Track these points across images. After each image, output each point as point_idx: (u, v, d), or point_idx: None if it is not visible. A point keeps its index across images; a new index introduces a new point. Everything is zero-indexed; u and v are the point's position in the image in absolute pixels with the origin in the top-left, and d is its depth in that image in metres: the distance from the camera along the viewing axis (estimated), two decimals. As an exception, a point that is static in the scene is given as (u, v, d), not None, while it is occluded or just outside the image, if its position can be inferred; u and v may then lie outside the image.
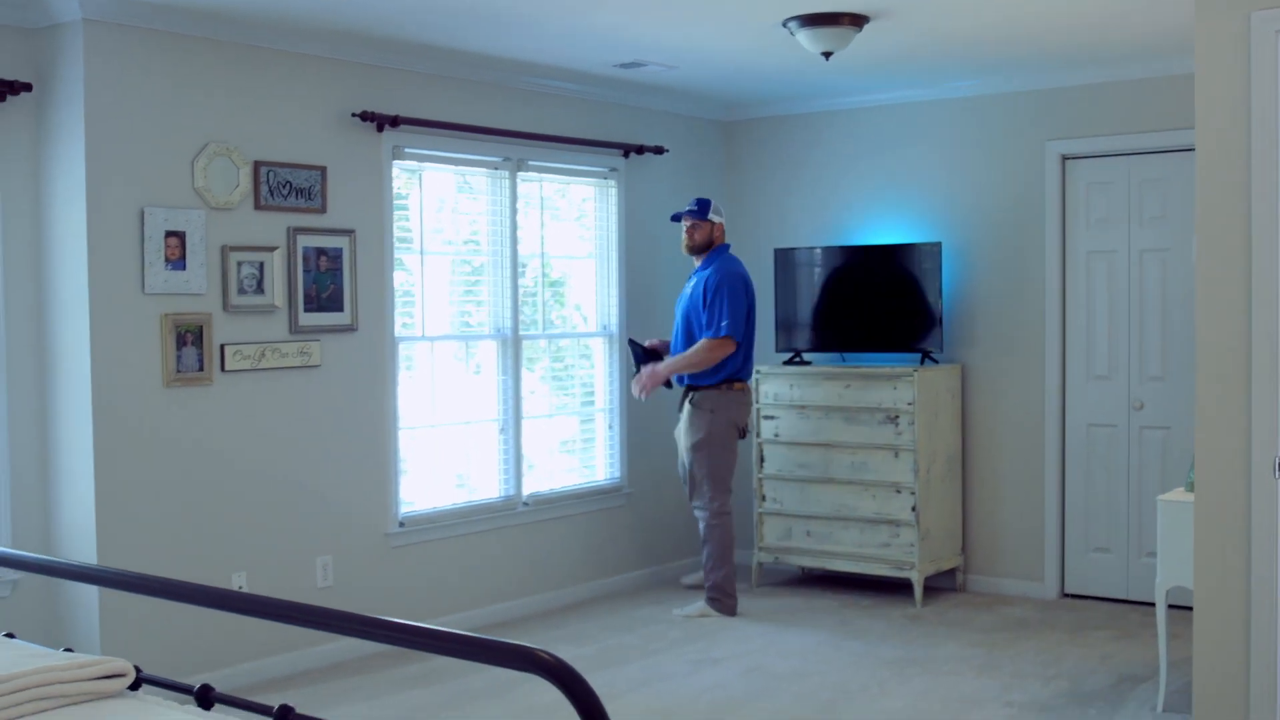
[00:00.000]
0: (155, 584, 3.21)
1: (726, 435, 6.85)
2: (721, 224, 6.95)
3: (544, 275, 7.23)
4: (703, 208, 6.89)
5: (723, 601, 6.85)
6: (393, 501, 6.32)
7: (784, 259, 7.67)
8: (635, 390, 6.94)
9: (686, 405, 6.88)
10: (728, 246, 6.97)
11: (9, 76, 5.21)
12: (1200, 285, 4.23)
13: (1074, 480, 7.14)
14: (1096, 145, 7.00)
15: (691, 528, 8.00)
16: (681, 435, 6.94)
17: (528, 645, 2.35)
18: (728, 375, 6.81)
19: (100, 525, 5.24)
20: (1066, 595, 7.17)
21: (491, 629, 6.40)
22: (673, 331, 7.08)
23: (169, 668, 3.91)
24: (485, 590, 6.74)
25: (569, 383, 7.45)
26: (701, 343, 6.71)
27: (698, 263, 6.92)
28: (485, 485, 6.88)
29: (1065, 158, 7.10)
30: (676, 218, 6.99)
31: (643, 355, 7.00)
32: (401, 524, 6.35)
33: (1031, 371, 7.20)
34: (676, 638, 6.45)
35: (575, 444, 7.49)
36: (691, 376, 6.81)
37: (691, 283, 6.92)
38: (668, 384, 6.94)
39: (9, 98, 5.21)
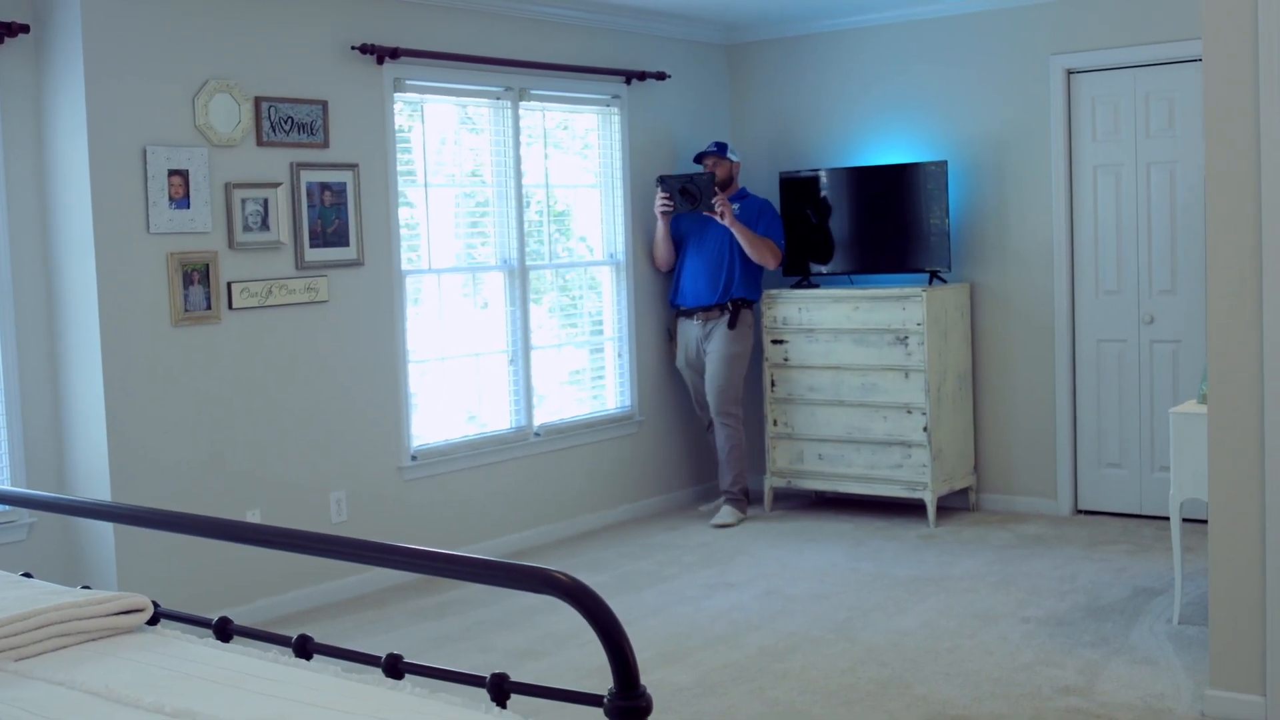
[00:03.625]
0: (170, 518, 3.23)
1: (749, 352, 7.45)
2: (739, 164, 7.39)
3: (549, 206, 7.20)
4: (721, 147, 7.31)
5: (743, 502, 7.41)
6: (405, 435, 6.33)
7: (790, 182, 7.62)
8: (718, 207, 7.13)
9: (721, 318, 7.31)
10: (745, 187, 7.50)
11: (6, 18, 5.16)
12: (1210, 196, 4.19)
13: (1085, 396, 7.13)
14: (1101, 59, 6.92)
15: (703, 453, 8.03)
16: (719, 345, 7.29)
17: (545, 568, 2.36)
18: (758, 294, 7.42)
19: (113, 466, 5.26)
20: (1080, 511, 7.19)
21: (507, 559, 6.42)
22: (686, 277, 7.44)
23: (185, 605, 3.93)
24: (500, 521, 6.77)
25: (576, 314, 7.44)
26: (769, 241, 7.27)
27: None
28: (496, 417, 6.89)
29: (1070, 72, 7.02)
30: (699, 158, 7.32)
31: (690, 187, 7.17)
32: (414, 457, 6.37)
33: (1040, 288, 7.17)
34: (691, 563, 6.49)
35: (584, 375, 7.49)
36: (738, 290, 7.30)
37: (718, 223, 7.20)
38: (684, 198, 7.19)
39: (6, 40, 5.17)
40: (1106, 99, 6.96)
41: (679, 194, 7.14)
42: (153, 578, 5.23)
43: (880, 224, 7.39)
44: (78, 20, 5.15)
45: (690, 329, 7.46)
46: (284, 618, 5.65)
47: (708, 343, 7.35)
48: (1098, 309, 7.06)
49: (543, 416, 7.09)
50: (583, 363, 7.49)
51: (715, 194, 7.12)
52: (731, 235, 7.19)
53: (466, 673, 2.57)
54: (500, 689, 2.46)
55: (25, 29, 5.20)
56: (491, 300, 6.91)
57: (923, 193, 7.20)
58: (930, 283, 7.17)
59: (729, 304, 7.30)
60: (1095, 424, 7.11)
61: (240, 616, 5.08)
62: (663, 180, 7.21)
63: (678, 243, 7.50)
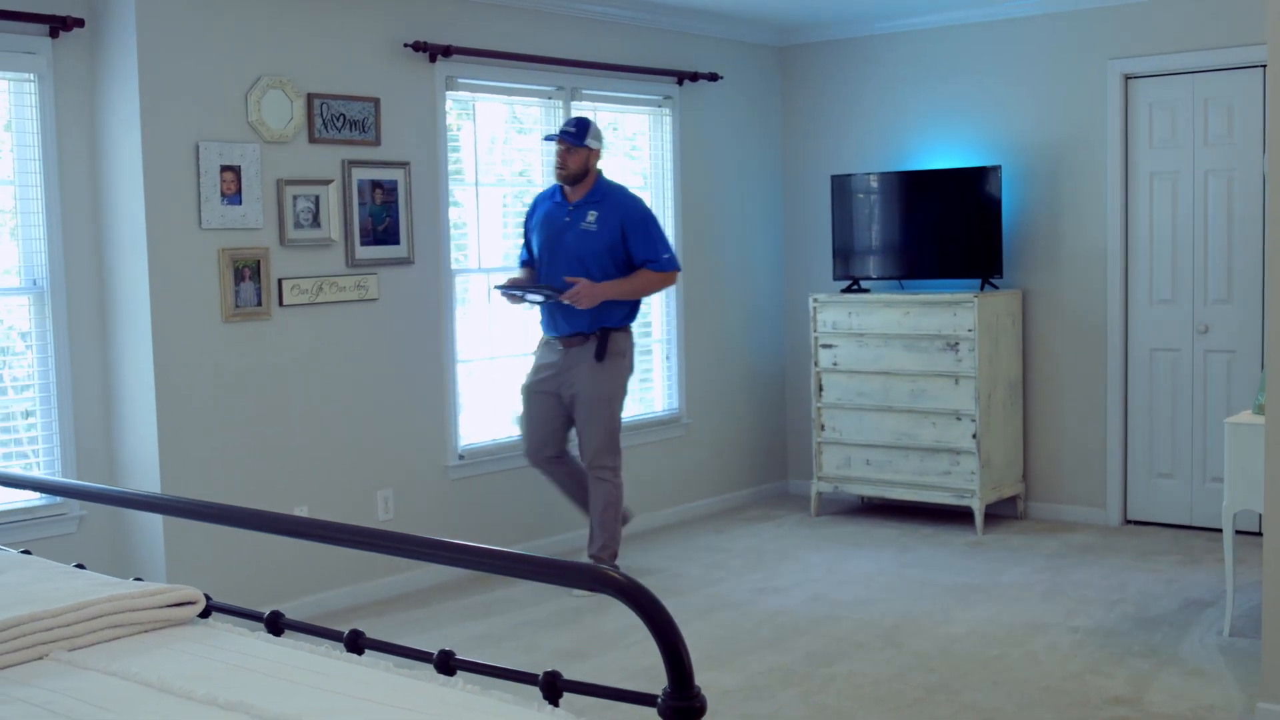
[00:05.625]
0: (220, 511, 3.22)
1: (628, 384, 6.28)
2: (599, 150, 6.07)
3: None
4: (581, 130, 5.99)
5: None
6: (452, 434, 6.33)
7: (841, 185, 7.57)
8: (573, 299, 5.88)
9: (587, 348, 6.02)
10: (603, 174, 6.16)
11: (62, 12, 5.20)
12: (1273, 203, 4.12)
13: (1137, 406, 7.04)
14: (1159, 64, 6.84)
15: (753, 455, 8.01)
16: (588, 386, 6.02)
17: (600, 566, 2.34)
18: (634, 318, 6.18)
19: (163, 461, 5.29)
20: (1129, 522, 7.10)
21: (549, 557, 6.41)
22: (539, 274, 6.12)
23: (232, 599, 3.92)
24: (545, 522, 6.75)
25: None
26: (645, 273, 6.04)
27: (575, 195, 6.04)
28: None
29: (1127, 77, 6.94)
30: (551, 138, 6.17)
31: (530, 289, 6.02)
32: (461, 457, 6.37)
33: (1093, 296, 7.09)
34: (737, 567, 6.45)
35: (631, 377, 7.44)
36: (598, 317, 5.99)
37: (585, 216, 6.01)
38: (520, 295, 6.02)
39: (61, 34, 5.21)
40: (1164, 105, 6.87)
41: (524, 296, 6.03)
42: (201, 571, 5.25)
43: (932, 229, 7.34)
44: (132, 15, 5.18)
45: (549, 353, 6.15)
46: (330, 614, 5.66)
47: (571, 380, 6.05)
48: (1151, 318, 6.98)
49: (589, 417, 7.06)
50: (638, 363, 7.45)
51: (536, 299, 6.02)
52: (591, 246, 5.99)
53: (518, 670, 2.55)
54: (553, 687, 2.44)
55: (80, 23, 5.23)
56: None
57: (975, 198, 7.14)
58: (982, 289, 7.11)
59: (595, 332, 6.03)
60: (1147, 434, 7.02)
61: (286, 612, 5.07)
62: (510, 291, 6.05)
63: (533, 252, 6.25)
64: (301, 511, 5.70)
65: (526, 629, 5.49)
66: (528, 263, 6.23)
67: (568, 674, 2.51)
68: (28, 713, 2.37)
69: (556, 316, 6.04)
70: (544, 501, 6.74)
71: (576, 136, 5.97)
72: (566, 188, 6.06)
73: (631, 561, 6.53)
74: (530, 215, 6.24)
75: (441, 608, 5.83)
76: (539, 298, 5.99)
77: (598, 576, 2.31)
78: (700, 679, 2.22)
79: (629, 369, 6.20)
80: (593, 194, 6.05)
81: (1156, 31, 6.81)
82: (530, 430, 6.18)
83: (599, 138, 6.05)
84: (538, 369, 6.17)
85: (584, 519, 6.32)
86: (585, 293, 5.88)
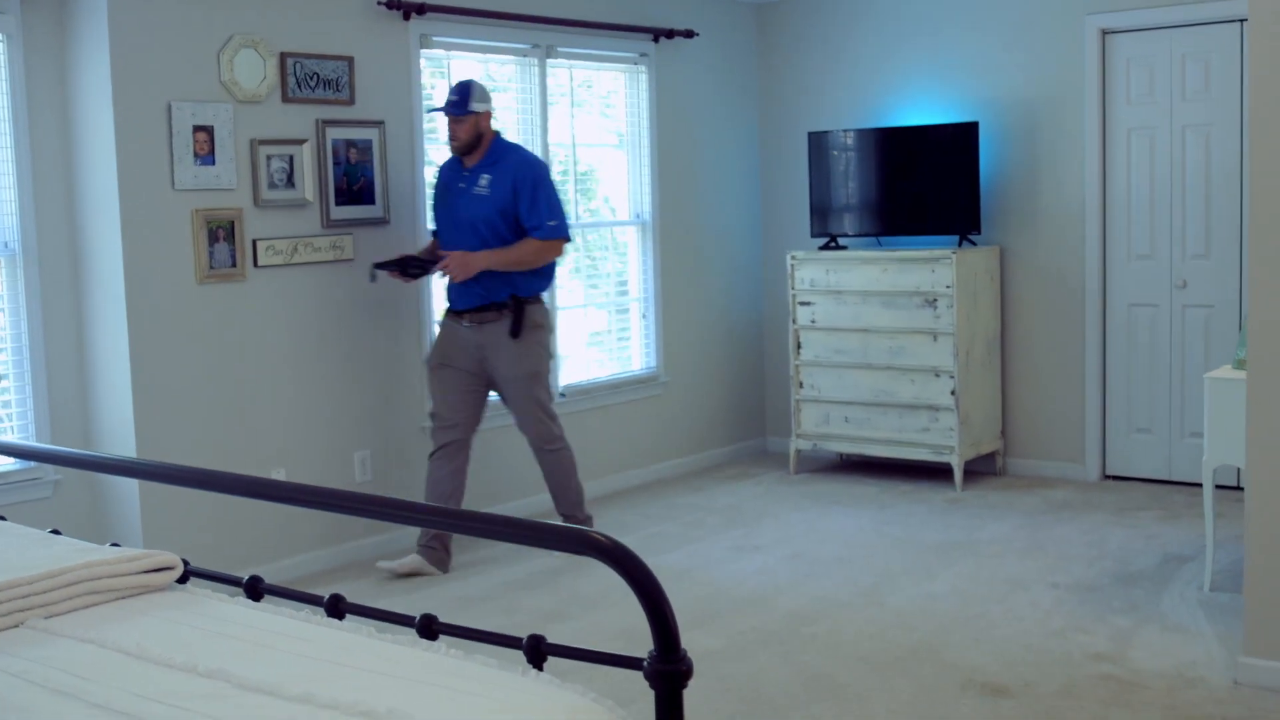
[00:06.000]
0: (197, 476, 3.20)
1: (550, 356, 6.00)
2: (489, 112, 5.72)
3: (573, 166, 7.13)
4: (463, 97, 5.61)
5: (437, 551, 5.72)
6: (428, 395, 6.29)
7: (818, 142, 7.53)
8: (443, 274, 5.69)
9: (499, 323, 5.68)
10: (501, 136, 5.84)
11: (28, -30, 5.11)
12: (1253, 157, 4.11)
13: (1115, 361, 7.05)
14: (1137, 19, 6.80)
15: (732, 413, 8.00)
16: (509, 366, 5.72)
17: (584, 529, 2.32)
18: (544, 285, 5.86)
19: (139, 424, 5.24)
20: (1108, 477, 7.13)
21: (531, 519, 6.40)
22: (440, 244, 5.83)
23: (208, 563, 3.90)
24: (524, 482, 6.72)
25: (597, 275, 7.37)
26: (529, 242, 5.65)
27: (471, 160, 5.72)
28: (521, 378, 6.83)
29: (1105, 32, 6.91)
30: (434, 111, 5.93)
31: (411, 264, 5.71)
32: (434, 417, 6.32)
33: (1071, 252, 7.08)
34: (716, 524, 6.45)
35: (607, 336, 7.44)
36: (507, 285, 5.67)
37: (478, 180, 5.69)
38: (409, 273, 5.70)
39: (29, -8, 5.12)
40: (1142, 60, 6.85)
41: (404, 271, 5.69)
42: (178, 535, 5.22)
43: (909, 186, 7.31)
44: (102, -27, 5.09)
45: (459, 332, 5.77)
46: (307, 577, 5.64)
47: (490, 358, 5.73)
48: (1129, 273, 6.98)
49: (566, 378, 7.04)
50: (605, 324, 7.44)
51: (436, 261, 5.73)
52: (482, 210, 5.66)
53: (502, 634, 2.54)
54: (537, 651, 2.43)
55: (49, -18, 5.15)
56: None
57: (953, 154, 7.11)
58: (960, 245, 7.09)
59: (507, 303, 5.69)
60: (1125, 389, 7.03)
61: (265, 576, 5.05)
62: (381, 266, 5.66)
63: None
64: (279, 474, 5.66)
65: (506, 590, 5.47)
66: (435, 234, 5.95)
67: (549, 636, 2.49)
68: (4, 683, 2.34)
69: (461, 287, 5.69)
70: (521, 462, 6.71)
71: (459, 105, 5.60)
72: (465, 158, 5.74)
73: (609, 520, 6.52)
74: (436, 186, 5.92)
75: (421, 569, 5.80)
76: (416, 272, 5.69)
77: (583, 539, 2.29)
78: (681, 640, 2.21)
79: (550, 342, 5.91)
80: (488, 157, 5.72)
81: (1135, -15, 6.78)
82: (443, 409, 5.77)
83: (485, 98, 5.67)
84: (443, 344, 5.81)
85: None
86: (457, 264, 5.56)
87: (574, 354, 7.16)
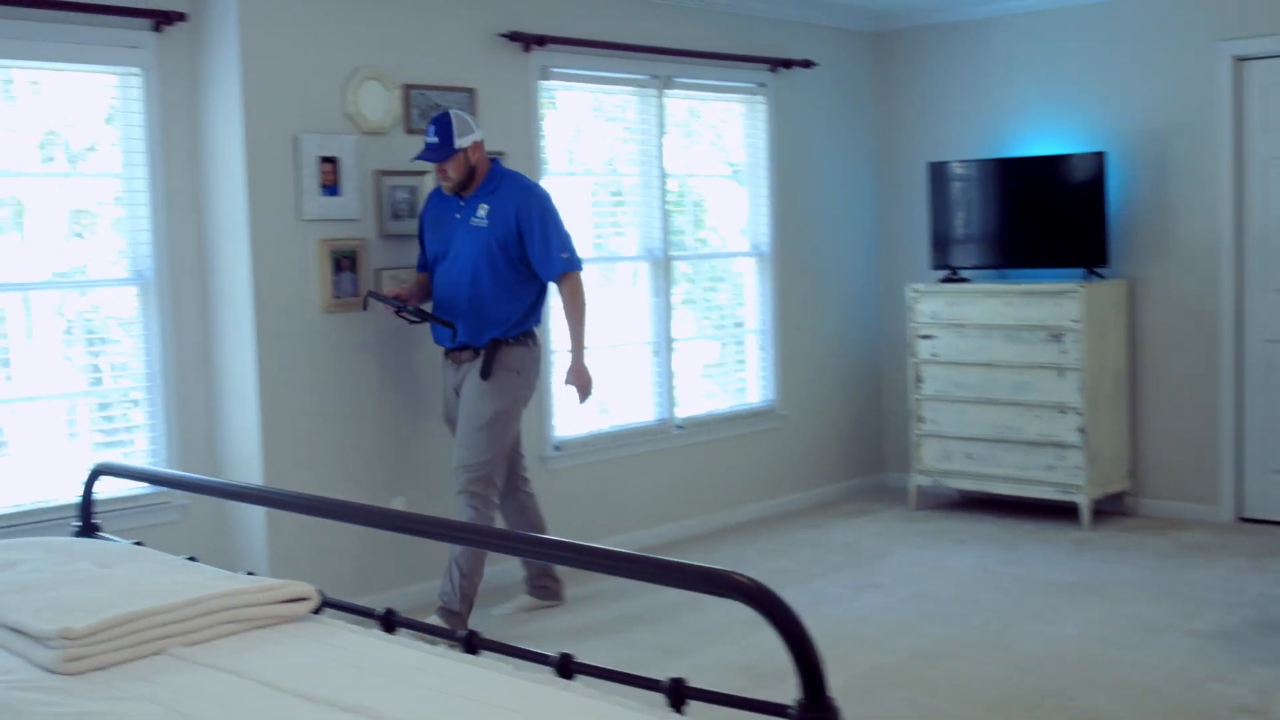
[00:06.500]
0: (323, 505, 3.22)
1: (523, 405, 5.45)
2: (478, 142, 5.24)
3: (686, 196, 7.10)
4: (444, 138, 5.14)
5: (550, 587, 5.64)
6: (548, 425, 6.29)
7: (938, 173, 7.42)
8: (580, 395, 5.50)
9: (473, 363, 5.27)
10: (499, 162, 5.44)
11: (165, 7, 5.21)
12: None
13: (1251, 399, 6.82)
14: (1272, 45, 6.61)
15: (849, 448, 7.90)
16: (468, 400, 5.27)
17: (726, 570, 2.26)
18: (533, 323, 5.40)
19: (266, 449, 5.29)
20: (1243, 519, 6.88)
21: (647, 552, 6.35)
22: (429, 276, 5.42)
23: (329, 590, 3.91)
24: (640, 514, 6.69)
25: (709, 305, 7.30)
26: (569, 299, 5.32)
27: (468, 190, 5.29)
28: (638, 409, 6.81)
29: (1238, 59, 6.72)
30: (419, 158, 5.31)
31: (410, 310, 5.28)
32: (557, 448, 6.32)
33: (1205, 285, 6.87)
34: (836, 562, 6.35)
35: (722, 367, 7.38)
36: (485, 326, 5.23)
37: (475, 211, 5.24)
38: (399, 308, 5.26)
39: (165, 28, 5.22)
40: (1278, 88, 6.65)
41: (398, 312, 5.29)
42: (302, 559, 5.25)
43: (1033, 217, 7.16)
44: (234, 9, 5.18)
45: (447, 374, 5.43)
46: (429, 605, 5.63)
47: (460, 395, 5.34)
48: (1266, 307, 6.75)
49: (683, 410, 7.00)
50: (719, 356, 7.38)
51: (429, 312, 5.34)
52: (481, 245, 5.22)
53: (642, 676, 2.48)
54: (678, 694, 2.37)
55: (183, 17, 5.25)
56: (631, 289, 6.83)
57: (1079, 185, 6.96)
58: (1087, 278, 6.93)
59: (484, 346, 5.24)
60: (1262, 427, 6.80)
61: (382, 603, 5.06)
62: (377, 297, 5.29)
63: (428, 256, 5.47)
64: (399, 502, 5.68)
65: (624, 623, 5.43)
66: (424, 269, 5.47)
67: (668, 672, 2.44)
68: (149, 711, 2.34)
69: (439, 327, 5.35)
70: (638, 494, 6.68)
71: (442, 148, 5.14)
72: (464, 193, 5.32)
73: (725, 556, 6.45)
74: (423, 217, 5.46)
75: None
76: (413, 319, 5.34)
77: (724, 581, 2.24)
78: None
79: (525, 387, 5.35)
80: (485, 186, 5.26)
81: (1268, 10, 6.58)
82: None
83: (469, 129, 5.18)
84: (445, 392, 5.48)
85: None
86: (582, 380, 5.44)
87: (688, 385, 7.11)
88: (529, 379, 5.39)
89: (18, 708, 2.36)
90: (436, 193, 5.43)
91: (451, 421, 5.42)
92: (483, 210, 5.23)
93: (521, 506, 5.57)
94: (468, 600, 5.22)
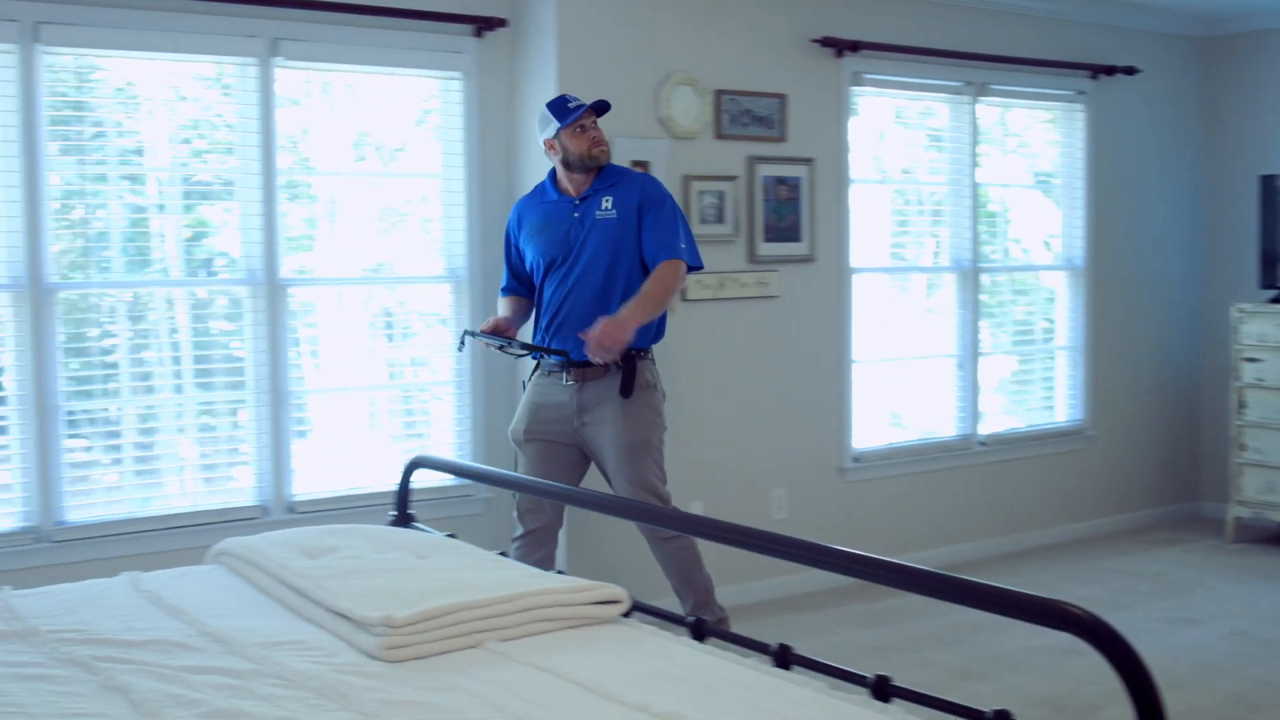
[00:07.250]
0: (620, 506, 3.22)
1: (662, 424, 4.75)
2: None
3: (995, 205, 6.88)
4: (601, 101, 4.67)
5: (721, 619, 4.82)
6: (847, 435, 6.20)
7: (1270, 186, 6.96)
8: (594, 353, 4.32)
9: (609, 382, 4.57)
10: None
11: (487, 13, 5.38)
12: None
13: None
14: None
15: (1162, 473, 7.53)
16: (615, 432, 4.56)
17: (1059, 600, 2.15)
18: (660, 337, 4.73)
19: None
20: None
21: (942, 571, 6.18)
22: (545, 318, 4.68)
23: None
24: (938, 530, 6.52)
25: (1006, 319, 7.03)
26: (662, 268, 4.51)
27: (579, 185, 4.64)
28: (938, 423, 6.64)
29: None
30: (580, 109, 4.57)
31: (516, 345, 4.64)
32: (856, 459, 6.22)
33: None
34: (1145, 592, 6.03)
35: (1023, 383, 7.11)
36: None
37: (599, 204, 4.60)
38: (505, 346, 4.61)
39: (486, 34, 5.39)
40: None
41: (502, 348, 4.65)
42: (594, 556, 5.32)
43: (1379, 235, 6.65)
44: (553, 15, 5.30)
45: (551, 390, 4.65)
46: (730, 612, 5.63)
47: (590, 422, 4.60)
48: None
49: (985, 425, 6.79)
50: (1016, 371, 7.12)
51: (500, 346, 4.63)
52: (616, 239, 4.55)
53: (973, 708, 2.37)
54: (1002, 726, 2.26)
55: (503, 23, 5.41)
56: (934, 300, 6.67)
57: None
58: None
59: (619, 359, 4.48)
60: None
61: (672, 606, 5.07)
62: (474, 335, 4.69)
63: (529, 269, 4.78)
64: (697, 506, 5.69)
65: (919, 643, 5.29)
66: (514, 292, 4.85)
67: (962, 696, 2.34)
68: (467, 703, 2.38)
69: (562, 340, 4.62)
70: (936, 510, 6.52)
71: (606, 104, 4.64)
72: (564, 181, 4.67)
73: (1027, 579, 6.22)
74: (516, 229, 4.81)
75: (831, 612, 5.71)
76: (519, 354, 4.75)
77: (1057, 612, 2.14)
78: (1108, 714, 2.01)
79: (662, 401, 4.73)
80: (603, 178, 4.64)
81: None
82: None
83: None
84: (537, 410, 4.67)
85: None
86: (612, 336, 4.29)
87: (991, 401, 6.89)
88: (663, 393, 4.74)
89: (344, 691, 2.44)
90: (528, 203, 4.82)
91: (535, 440, 4.69)
92: (607, 202, 4.59)
93: (542, 559, 4.70)
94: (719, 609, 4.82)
